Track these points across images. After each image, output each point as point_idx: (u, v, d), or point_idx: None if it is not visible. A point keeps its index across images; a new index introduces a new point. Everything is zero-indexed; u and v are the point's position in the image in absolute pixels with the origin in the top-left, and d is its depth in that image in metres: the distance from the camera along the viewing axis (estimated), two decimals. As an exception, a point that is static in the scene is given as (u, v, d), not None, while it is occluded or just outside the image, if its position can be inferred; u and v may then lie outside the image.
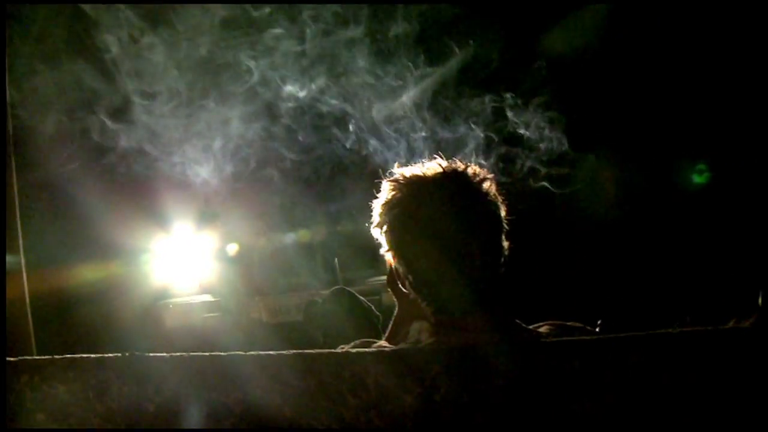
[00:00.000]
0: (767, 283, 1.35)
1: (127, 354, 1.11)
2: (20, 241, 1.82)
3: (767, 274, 1.35)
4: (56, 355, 1.13)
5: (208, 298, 7.56)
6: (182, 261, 7.83)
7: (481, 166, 1.20)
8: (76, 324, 6.69)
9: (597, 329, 1.49)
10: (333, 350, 1.08)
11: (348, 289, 2.09)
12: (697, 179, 6.80)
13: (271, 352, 1.08)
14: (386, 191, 1.20)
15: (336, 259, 7.29)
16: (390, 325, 1.34)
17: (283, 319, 7.08)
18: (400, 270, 1.20)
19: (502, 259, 1.19)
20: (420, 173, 1.19)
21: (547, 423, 1.03)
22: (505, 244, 1.19)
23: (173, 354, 1.09)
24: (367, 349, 1.11)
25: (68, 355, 1.13)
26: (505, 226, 1.19)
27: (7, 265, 1.73)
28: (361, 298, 2.03)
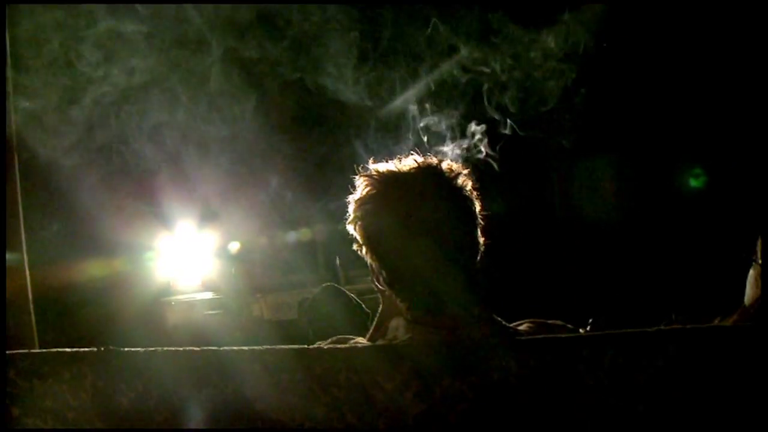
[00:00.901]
0: (766, 281, 1.33)
1: (101, 348, 1.11)
2: (23, 239, 1.83)
3: (766, 272, 1.34)
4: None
5: (210, 295, 7.58)
6: (184, 259, 7.85)
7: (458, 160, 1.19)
8: (79, 321, 6.72)
9: (588, 328, 1.48)
10: (307, 347, 1.07)
11: (337, 286, 2.08)
12: (693, 183, 6.79)
13: (244, 348, 1.08)
14: (360, 187, 1.19)
15: (337, 257, 7.29)
16: (374, 322, 1.34)
17: (284, 317, 7.10)
18: (374, 266, 1.19)
19: (478, 255, 1.18)
20: (394, 169, 1.18)
21: (521, 421, 1.02)
22: (481, 239, 1.18)
23: (147, 349, 1.09)
24: (339, 346, 1.10)
25: (43, 350, 1.13)
26: (480, 221, 1.18)
27: (10, 263, 1.74)
28: (351, 294, 2.02)
